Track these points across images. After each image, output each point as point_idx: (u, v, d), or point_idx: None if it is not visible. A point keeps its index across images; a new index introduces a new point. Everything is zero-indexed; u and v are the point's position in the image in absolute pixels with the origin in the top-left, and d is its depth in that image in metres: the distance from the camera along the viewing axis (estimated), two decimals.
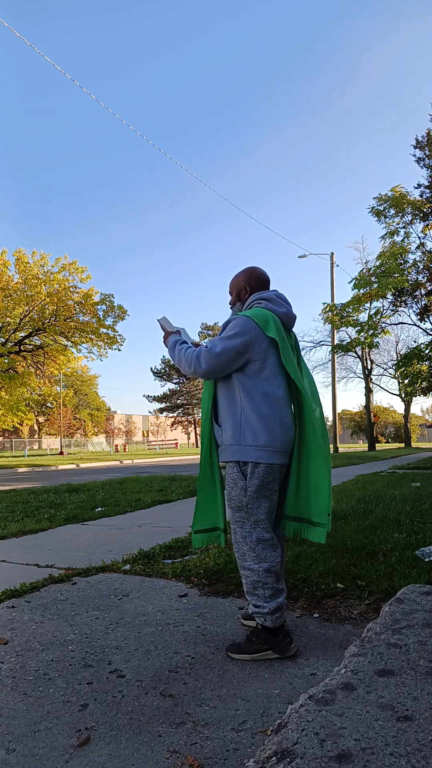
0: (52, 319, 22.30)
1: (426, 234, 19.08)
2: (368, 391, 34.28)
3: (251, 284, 2.42)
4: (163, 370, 65.91)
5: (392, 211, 19.43)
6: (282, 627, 2.13)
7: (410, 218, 19.44)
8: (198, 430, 65.00)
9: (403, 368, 18.07)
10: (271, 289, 2.46)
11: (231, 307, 2.51)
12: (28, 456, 38.60)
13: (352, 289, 19.01)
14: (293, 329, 2.43)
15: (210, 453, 2.39)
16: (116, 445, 57.25)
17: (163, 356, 66.44)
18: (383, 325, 20.44)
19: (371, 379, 34.44)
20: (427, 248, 19.30)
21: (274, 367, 2.23)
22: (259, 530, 2.16)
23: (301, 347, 2.45)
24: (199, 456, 2.50)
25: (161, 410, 67.69)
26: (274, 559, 2.15)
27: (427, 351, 17.29)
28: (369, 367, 34.16)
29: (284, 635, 2.12)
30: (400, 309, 21.20)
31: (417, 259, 19.09)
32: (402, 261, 18.62)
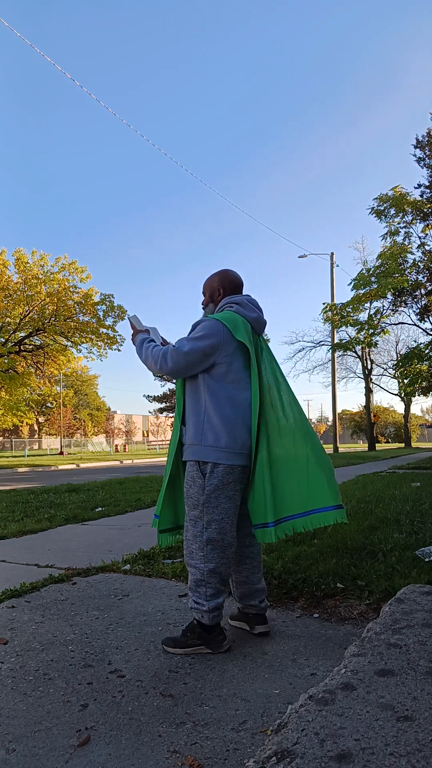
0: (52, 319, 22.29)
1: (426, 234, 19.05)
2: (368, 391, 34.27)
3: (225, 287, 2.43)
4: None
5: (393, 211, 19.42)
6: (218, 625, 2.18)
7: (410, 218, 19.43)
8: None
9: (403, 368, 18.07)
10: (244, 293, 2.47)
11: (203, 308, 2.51)
12: (28, 456, 38.53)
13: (351, 290, 19.02)
14: (263, 334, 2.44)
15: (177, 452, 2.39)
16: (116, 445, 57.21)
17: None
18: (383, 325, 20.44)
19: (371, 379, 34.44)
20: (428, 248, 19.29)
21: (240, 370, 2.25)
22: (210, 531, 2.17)
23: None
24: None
25: (161, 410, 67.63)
26: (220, 561, 2.17)
27: (427, 351, 17.27)
28: (369, 367, 34.15)
29: (219, 632, 2.18)
30: (400, 309, 21.19)
31: (417, 259, 19.08)
32: (402, 261, 18.61)
